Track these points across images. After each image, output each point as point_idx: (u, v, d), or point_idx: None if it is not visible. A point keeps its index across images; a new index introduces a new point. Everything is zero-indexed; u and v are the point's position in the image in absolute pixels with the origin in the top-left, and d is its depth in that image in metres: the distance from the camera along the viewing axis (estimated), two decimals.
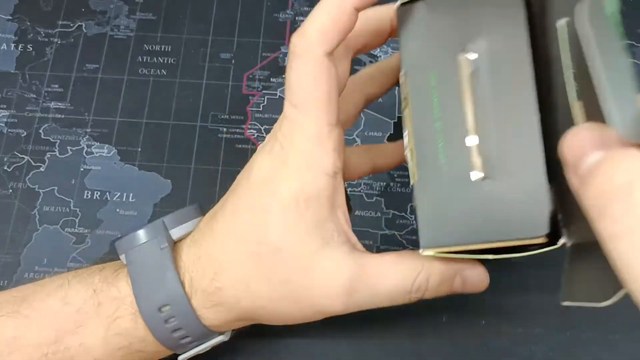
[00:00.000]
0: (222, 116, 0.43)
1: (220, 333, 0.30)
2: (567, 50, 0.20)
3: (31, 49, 0.45)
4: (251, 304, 0.27)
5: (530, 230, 0.23)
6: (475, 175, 0.23)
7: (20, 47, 0.45)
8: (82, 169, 0.41)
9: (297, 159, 0.25)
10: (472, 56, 0.23)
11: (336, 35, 0.24)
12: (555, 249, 0.23)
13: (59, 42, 0.45)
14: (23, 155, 0.42)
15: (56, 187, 0.41)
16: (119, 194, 0.41)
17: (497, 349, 0.36)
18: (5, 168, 0.41)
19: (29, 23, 0.46)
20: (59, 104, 0.43)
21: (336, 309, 0.27)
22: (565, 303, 0.22)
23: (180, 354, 0.30)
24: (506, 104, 0.23)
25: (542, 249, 0.23)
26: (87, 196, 0.40)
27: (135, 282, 0.28)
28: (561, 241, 0.23)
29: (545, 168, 0.23)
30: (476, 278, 0.27)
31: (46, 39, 0.45)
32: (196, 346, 0.30)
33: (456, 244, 0.23)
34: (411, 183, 0.24)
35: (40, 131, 0.42)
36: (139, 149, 0.42)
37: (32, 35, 0.46)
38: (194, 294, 0.27)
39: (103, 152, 0.42)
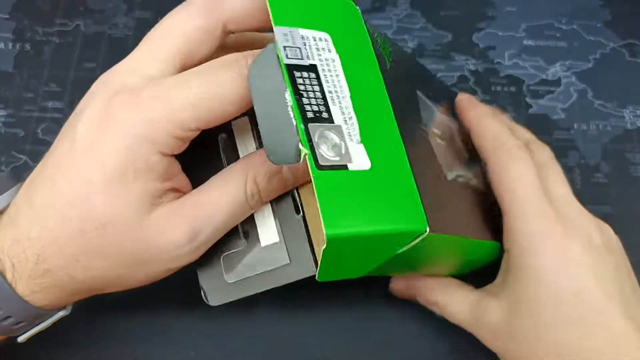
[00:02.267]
0: None
1: (61, 308, 0.28)
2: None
3: (29, 48, 0.45)
4: (87, 278, 0.26)
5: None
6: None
7: (18, 46, 0.45)
8: None
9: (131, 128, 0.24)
10: None
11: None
12: None
13: (57, 41, 0.45)
14: (21, 155, 0.41)
15: None
16: None
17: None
18: (2, 168, 0.41)
19: (26, 22, 0.46)
20: (57, 103, 0.43)
21: (188, 259, 0.27)
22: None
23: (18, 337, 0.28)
24: None
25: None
26: None
27: None
28: None
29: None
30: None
31: (44, 38, 0.45)
32: (34, 327, 0.28)
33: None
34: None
35: (38, 131, 0.42)
36: None
37: (30, 34, 0.45)
38: (18, 280, 0.25)
39: None
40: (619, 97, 0.43)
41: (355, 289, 0.37)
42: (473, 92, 0.44)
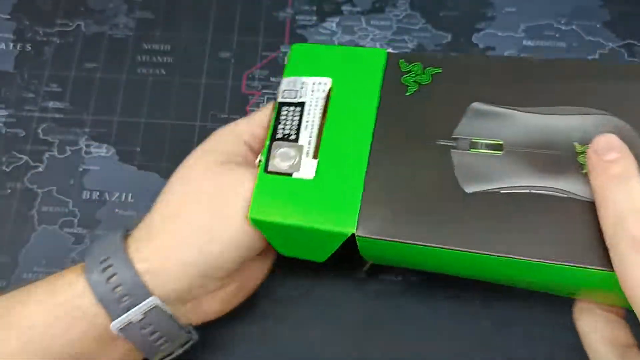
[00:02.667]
0: (222, 115, 0.43)
1: (186, 331, 0.31)
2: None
3: (30, 48, 0.45)
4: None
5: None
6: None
7: (18, 46, 0.45)
8: (80, 169, 0.41)
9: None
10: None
11: None
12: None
13: (57, 41, 0.45)
14: (22, 155, 0.41)
15: (55, 187, 0.40)
16: (117, 194, 0.40)
17: (498, 349, 0.36)
18: (3, 168, 0.41)
19: (27, 22, 0.46)
20: (58, 103, 0.43)
21: None
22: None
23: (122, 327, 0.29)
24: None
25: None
26: (85, 196, 0.40)
27: (86, 253, 0.30)
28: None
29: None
30: None
31: (45, 38, 0.45)
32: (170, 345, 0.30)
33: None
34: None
35: (39, 131, 0.42)
36: (138, 149, 0.42)
37: (30, 34, 0.45)
38: (129, 244, 0.30)
39: (102, 152, 0.42)
40: None
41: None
42: None
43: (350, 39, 0.46)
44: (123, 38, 0.45)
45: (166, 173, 0.41)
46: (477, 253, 0.27)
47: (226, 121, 0.43)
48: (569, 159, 0.28)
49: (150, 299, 0.28)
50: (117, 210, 0.40)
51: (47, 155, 0.41)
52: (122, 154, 0.42)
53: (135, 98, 0.43)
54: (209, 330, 0.36)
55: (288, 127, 0.31)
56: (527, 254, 0.27)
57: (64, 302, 0.28)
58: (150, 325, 0.29)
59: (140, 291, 0.28)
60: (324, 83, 0.32)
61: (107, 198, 0.40)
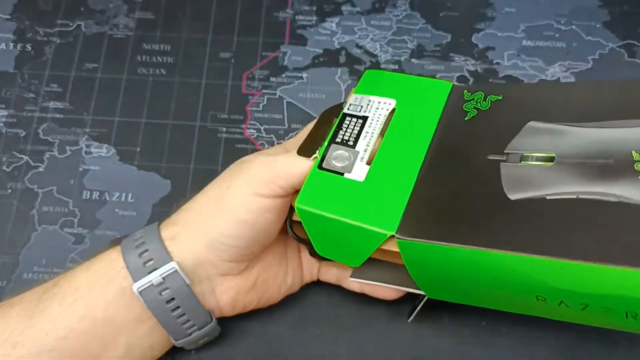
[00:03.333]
0: (222, 116, 0.43)
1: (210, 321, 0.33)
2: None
3: (30, 48, 0.45)
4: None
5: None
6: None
7: (19, 46, 0.45)
8: (81, 169, 0.41)
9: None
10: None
11: None
12: None
13: (58, 41, 0.45)
14: (22, 155, 0.41)
15: (55, 187, 0.41)
16: (118, 194, 0.40)
17: (499, 350, 0.36)
18: (4, 168, 0.41)
19: (27, 22, 0.46)
20: (58, 103, 0.43)
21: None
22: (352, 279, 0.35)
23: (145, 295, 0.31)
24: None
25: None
26: (86, 196, 0.40)
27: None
28: None
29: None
30: None
31: (45, 39, 0.45)
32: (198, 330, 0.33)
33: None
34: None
35: (39, 131, 0.42)
36: (138, 149, 0.42)
37: (31, 34, 0.45)
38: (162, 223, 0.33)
39: (102, 152, 0.42)
40: None
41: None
42: None
43: (350, 39, 0.46)
44: (123, 38, 0.45)
45: (166, 173, 0.41)
46: (517, 254, 0.26)
47: (226, 121, 0.43)
48: (624, 166, 0.27)
49: (171, 263, 0.31)
50: (117, 210, 0.40)
51: (47, 155, 0.41)
52: (122, 154, 0.42)
53: (135, 98, 0.43)
54: None
55: (348, 134, 0.33)
56: (582, 256, 0.24)
57: (102, 267, 0.31)
58: (167, 290, 0.30)
59: (163, 256, 0.31)
60: (389, 103, 0.34)
61: (107, 198, 0.40)
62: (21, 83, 0.44)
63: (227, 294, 0.33)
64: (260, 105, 0.43)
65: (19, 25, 0.46)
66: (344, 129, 0.33)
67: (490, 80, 0.44)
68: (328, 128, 0.34)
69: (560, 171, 0.28)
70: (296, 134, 0.38)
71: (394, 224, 0.29)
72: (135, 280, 0.30)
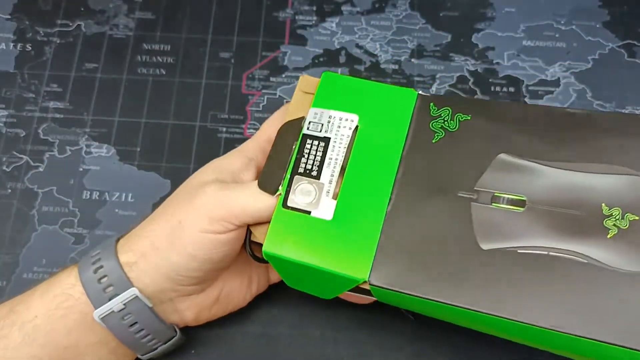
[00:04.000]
0: (222, 116, 0.43)
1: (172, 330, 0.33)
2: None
3: (30, 48, 0.45)
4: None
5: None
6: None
7: (19, 46, 0.45)
8: (81, 169, 0.41)
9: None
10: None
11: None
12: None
13: (58, 41, 0.45)
14: (22, 155, 0.41)
15: (55, 187, 0.41)
16: (118, 194, 0.40)
17: (498, 349, 0.36)
18: (4, 168, 0.41)
19: (27, 22, 0.46)
20: (58, 103, 0.43)
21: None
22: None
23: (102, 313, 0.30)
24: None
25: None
26: (86, 196, 0.40)
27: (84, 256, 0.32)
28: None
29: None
30: None
31: (45, 39, 0.45)
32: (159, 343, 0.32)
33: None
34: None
35: (39, 131, 0.42)
36: (138, 149, 0.42)
37: (31, 34, 0.45)
38: (120, 242, 0.32)
39: (102, 152, 0.42)
40: (618, 97, 0.44)
41: None
42: (472, 93, 0.44)
43: (350, 39, 0.46)
44: (123, 38, 0.45)
45: (166, 173, 0.41)
46: (486, 314, 0.26)
47: (226, 121, 0.43)
48: (594, 221, 0.27)
49: (131, 289, 0.30)
50: (117, 210, 0.40)
51: (47, 155, 0.41)
52: (122, 154, 0.42)
53: (135, 98, 0.44)
54: (209, 330, 0.36)
55: (310, 161, 0.31)
56: (539, 320, 0.25)
57: (60, 293, 0.30)
58: (130, 315, 0.30)
59: (123, 282, 0.30)
60: (351, 120, 0.32)
61: (107, 198, 0.40)
62: (21, 83, 0.44)
63: (190, 311, 0.33)
64: (260, 105, 0.43)
65: (19, 25, 0.46)
66: (306, 156, 0.31)
67: (489, 80, 0.44)
68: (288, 152, 0.32)
69: (530, 219, 0.28)
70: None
71: (366, 267, 0.28)
72: (96, 307, 0.30)
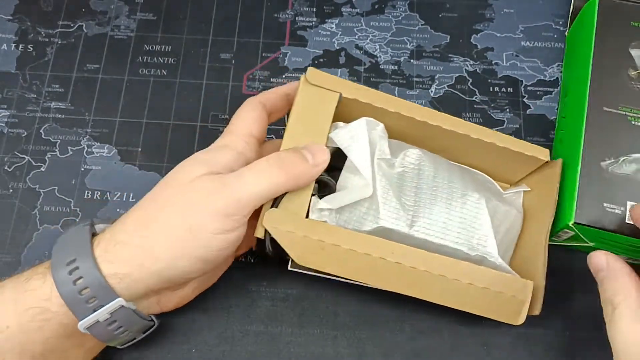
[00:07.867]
0: (222, 116, 0.43)
1: (147, 319, 0.32)
2: None
3: (32, 49, 0.45)
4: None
5: None
6: None
7: (20, 47, 0.45)
8: (82, 169, 0.41)
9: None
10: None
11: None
12: None
13: (59, 42, 0.45)
14: (23, 155, 0.42)
15: (57, 187, 0.41)
16: (119, 193, 0.41)
17: (497, 349, 0.36)
18: (5, 168, 0.41)
19: (29, 23, 0.46)
20: (60, 104, 0.43)
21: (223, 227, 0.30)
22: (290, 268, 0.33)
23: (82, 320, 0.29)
24: None
25: None
26: (87, 196, 0.41)
27: (53, 251, 0.30)
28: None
29: None
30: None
31: (47, 39, 0.45)
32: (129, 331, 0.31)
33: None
34: None
35: (41, 131, 0.42)
36: (139, 149, 0.42)
37: (32, 35, 0.46)
38: (96, 245, 0.30)
39: (103, 152, 0.42)
40: None
41: None
42: (471, 93, 0.44)
43: (350, 40, 0.46)
44: (124, 39, 0.46)
45: (167, 173, 0.41)
46: None
47: (227, 122, 0.43)
48: None
49: (117, 300, 0.29)
50: (118, 210, 0.40)
51: (49, 155, 0.42)
52: (123, 154, 0.42)
53: (136, 98, 0.44)
54: (209, 329, 0.36)
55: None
56: None
57: (34, 305, 0.29)
58: (115, 322, 0.30)
59: (107, 293, 0.29)
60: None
61: (109, 198, 0.40)
62: (23, 83, 0.44)
63: (171, 302, 0.34)
64: None
65: (21, 26, 0.46)
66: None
67: (488, 80, 0.45)
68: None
69: None
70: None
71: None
72: (80, 319, 0.29)
